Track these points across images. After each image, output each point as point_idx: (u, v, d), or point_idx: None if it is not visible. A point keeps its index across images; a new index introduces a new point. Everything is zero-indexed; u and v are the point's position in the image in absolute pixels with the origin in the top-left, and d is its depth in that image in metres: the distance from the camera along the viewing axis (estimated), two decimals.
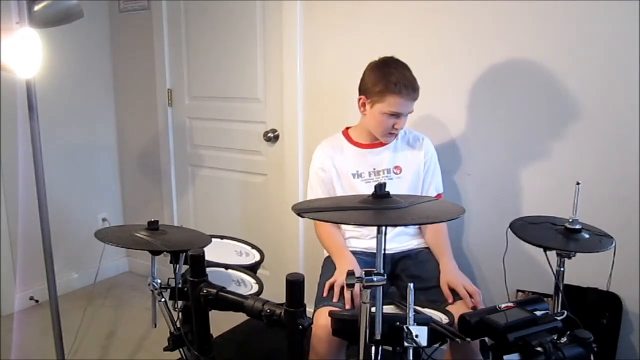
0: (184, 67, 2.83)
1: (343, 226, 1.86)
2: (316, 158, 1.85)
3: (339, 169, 1.81)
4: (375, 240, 1.76)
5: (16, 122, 2.57)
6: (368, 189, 1.71)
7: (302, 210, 1.18)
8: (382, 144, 1.81)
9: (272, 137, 2.54)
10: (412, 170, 1.80)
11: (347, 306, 1.54)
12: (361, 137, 1.83)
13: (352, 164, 1.81)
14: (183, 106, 2.90)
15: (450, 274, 1.63)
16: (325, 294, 1.59)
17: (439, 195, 1.85)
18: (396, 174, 1.79)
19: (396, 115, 1.67)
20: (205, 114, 2.82)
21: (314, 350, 1.53)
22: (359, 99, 1.74)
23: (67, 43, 2.84)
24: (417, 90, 1.67)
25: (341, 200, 1.32)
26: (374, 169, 1.79)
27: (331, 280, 1.61)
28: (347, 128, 1.88)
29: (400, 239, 1.81)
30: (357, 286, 1.53)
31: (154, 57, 2.91)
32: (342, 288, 1.57)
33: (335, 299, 1.56)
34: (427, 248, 1.82)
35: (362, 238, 1.82)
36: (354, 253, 1.76)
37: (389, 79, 1.64)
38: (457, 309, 1.49)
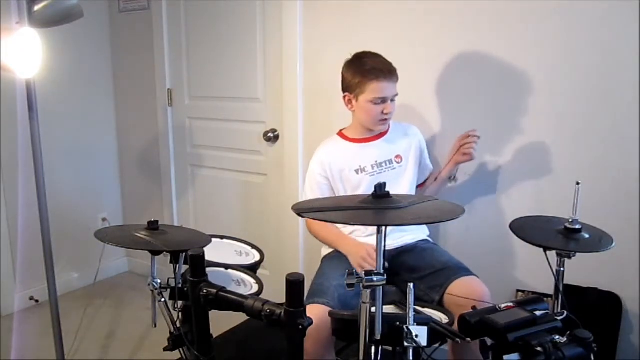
0: (184, 67, 2.83)
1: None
2: (315, 163, 1.87)
3: (341, 169, 1.82)
4: (369, 238, 1.79)
5: (16, 122, 2.57)
6: (374, 183, 1.74)
7: (302, 210, 1.18)
8: (378, 137, 1.83)
9: (272, 137, 2.54)
10: (411, 158, 1.85)
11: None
12: (356, 134, 1.86)
13: (353, 161, 1.82)
14: (183, 106, 2.90)
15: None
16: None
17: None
18: (398, 163, 1.82)
19: (382, 100, 1.72)
20: (205, 114, 2.82)
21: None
22: (344, 97, 1.80)
23: (67, 43, 2.84)
24: (393, 72, 1.73)
25: (341, 200, 1.32)
26: (376, 161, 1.81)
27: (359, 262, 1.65)
28: (341, 130, 1.91)
29: (395, 235, 1.81)
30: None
31: (154, 57, 2.91)
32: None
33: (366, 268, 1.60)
34: (423, 240, 1.84)
35: (357, 237, 1.82)
36: None
37: (364, 68, 1.72)
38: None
